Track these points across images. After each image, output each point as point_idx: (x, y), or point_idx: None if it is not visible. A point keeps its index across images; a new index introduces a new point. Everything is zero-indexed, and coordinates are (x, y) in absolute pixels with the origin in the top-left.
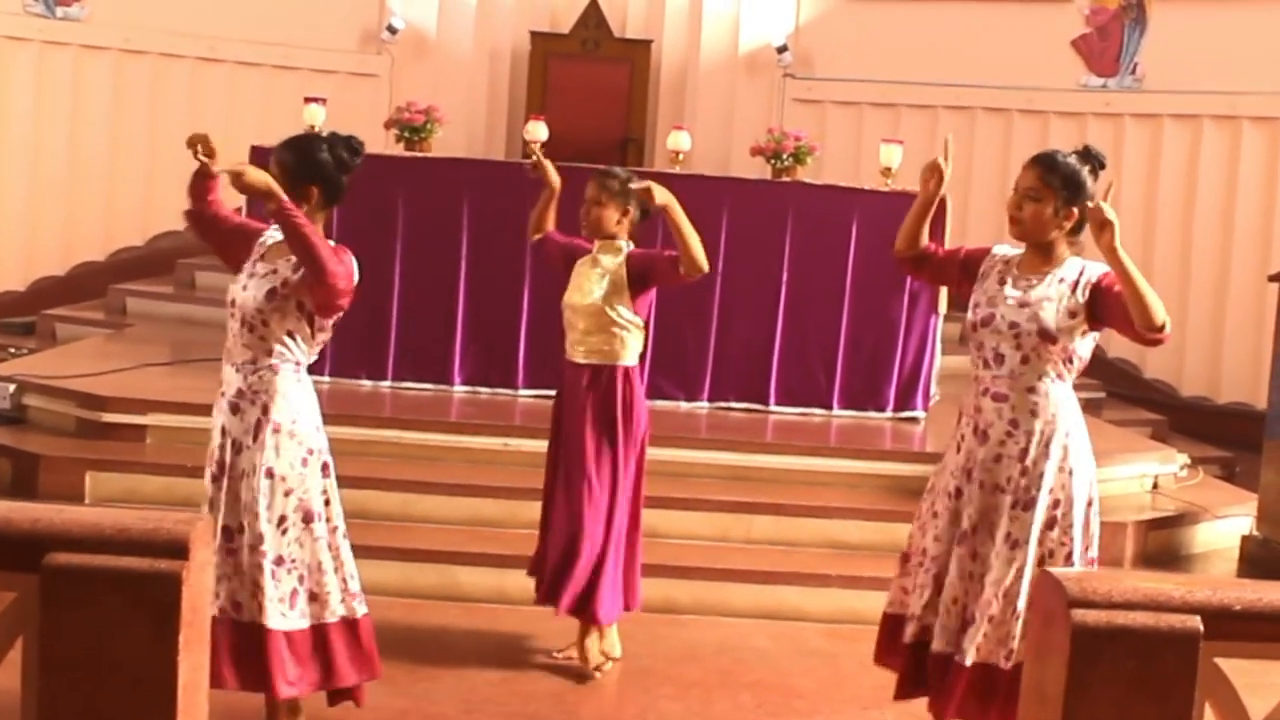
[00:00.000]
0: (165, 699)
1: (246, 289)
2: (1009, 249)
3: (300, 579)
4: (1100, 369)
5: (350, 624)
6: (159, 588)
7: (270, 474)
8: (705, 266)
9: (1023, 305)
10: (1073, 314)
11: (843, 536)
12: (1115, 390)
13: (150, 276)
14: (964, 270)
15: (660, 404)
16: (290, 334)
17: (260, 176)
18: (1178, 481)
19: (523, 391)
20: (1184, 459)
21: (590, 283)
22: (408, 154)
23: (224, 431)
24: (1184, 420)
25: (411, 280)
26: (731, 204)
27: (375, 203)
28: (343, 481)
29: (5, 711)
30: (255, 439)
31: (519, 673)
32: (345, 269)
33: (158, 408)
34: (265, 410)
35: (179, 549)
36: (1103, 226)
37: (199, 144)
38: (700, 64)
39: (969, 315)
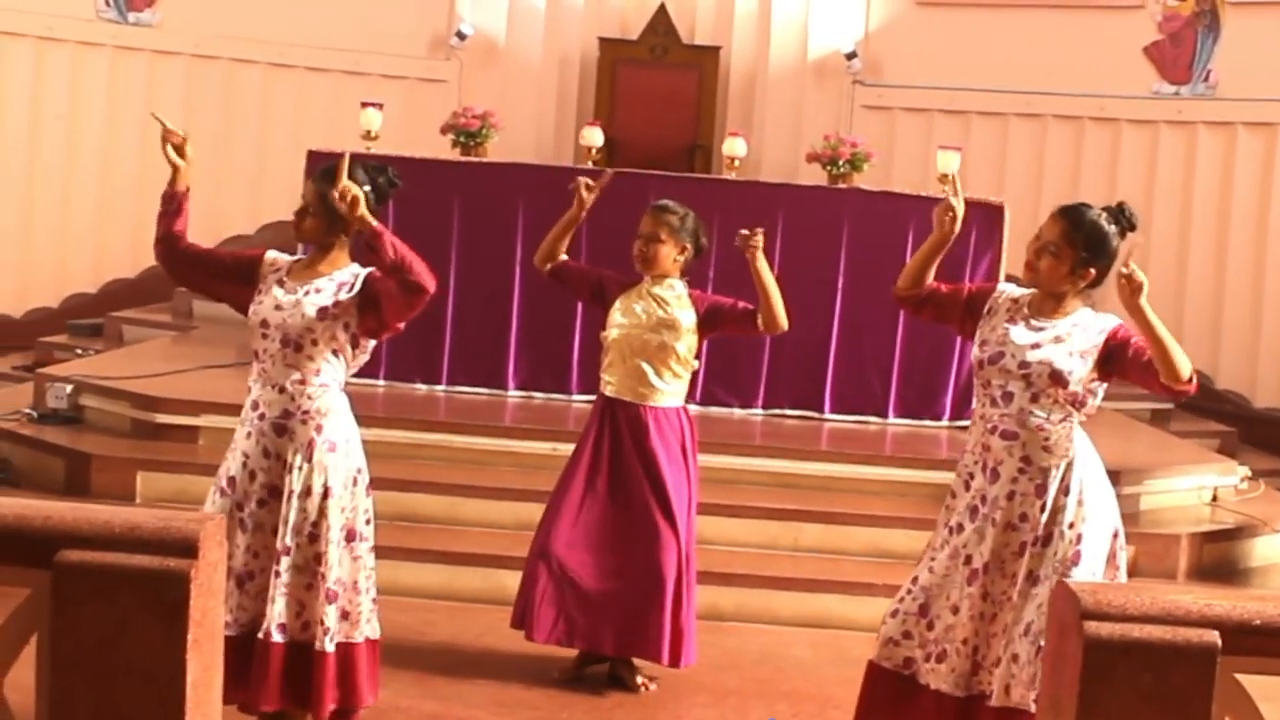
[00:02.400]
0: (174, 696)
1: (281, 308)
2: (1015, 288)
3: (337, 597)
4: None
5: (372, 645)
6: (168, 586)
7: (328, 493)
8: (786, 325)
9: (1034, 347)
10: (1084, 363)
11: (890, 545)
12: (1186, 401)
13: None
14: (968, 309)
15: (714, 410)
16: (335, 353)
17: (365, 214)
18: (1238, 494)
19: (576, 397)
20: (1245, 471)
21: (652, 320)
22: (463, 159)
23: (267, 453)
24: (1257, 432)
25: (466, 285)
26: (787, 210)
27: (431, 207)
28: (390, 484)
29: (21, 707)
30: (310, 459)
31: (558, 672)
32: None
33: (210, 409)
34: (319, 429)
35: (189, 548)
36: (1135, 291)
37: (176, 142)
38: (769, 70)
39: (975, 352)
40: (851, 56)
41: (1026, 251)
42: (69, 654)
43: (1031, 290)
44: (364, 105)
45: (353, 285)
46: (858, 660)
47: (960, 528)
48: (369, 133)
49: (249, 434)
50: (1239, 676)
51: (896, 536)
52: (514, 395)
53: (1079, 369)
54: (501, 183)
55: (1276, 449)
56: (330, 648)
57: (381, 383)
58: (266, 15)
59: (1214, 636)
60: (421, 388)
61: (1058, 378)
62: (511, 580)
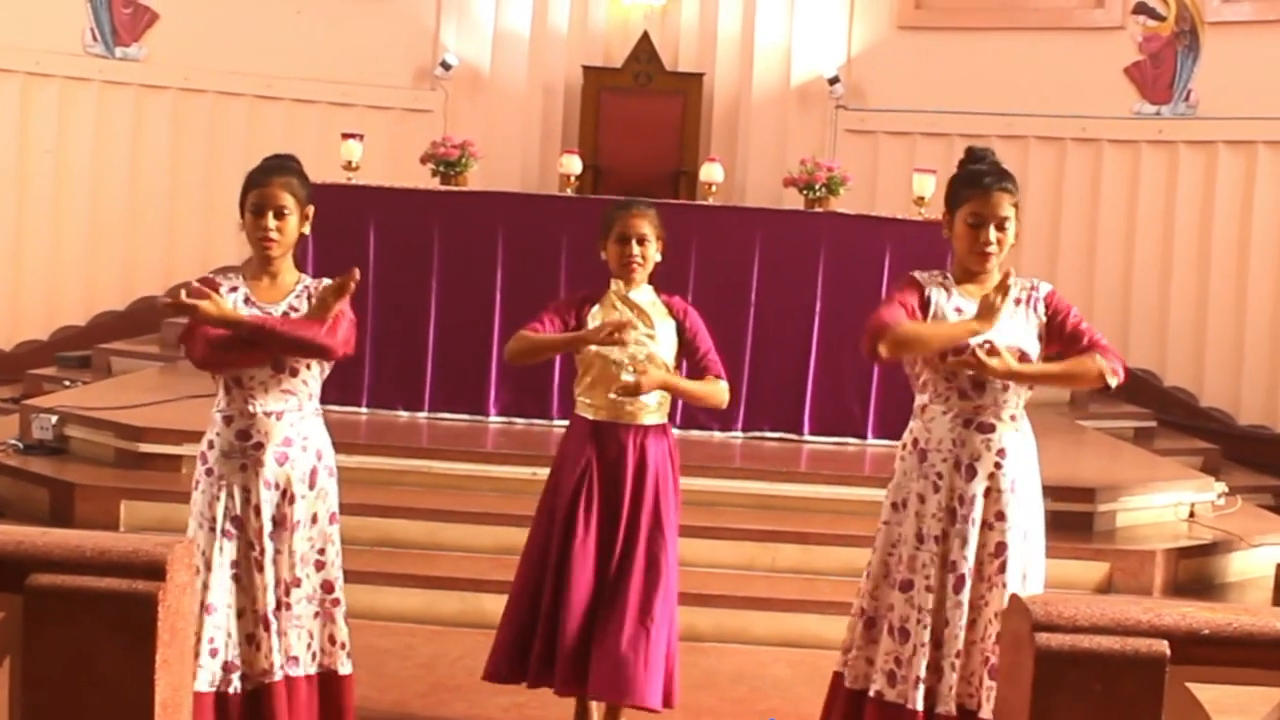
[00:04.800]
0: (143, 717)
1: None
2: (923, 273)
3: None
4: (1155, 396)
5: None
6: (137, 608)
7: (333, 519)
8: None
9: (997, 332)
10: (1039, 337)
11: None
12: (1170, 419)
13: None
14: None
15: (695, 434)
16: (318, 375)
17: (224, 310)
18: (1215, 510)
19: (557, 421)
20: (1221, 487)
21: (639, 331)
22: (443, 188)
23: (269, 484)
24: (1241, 449)
25: (448, 313)
26: (764, 234)
27: (412, 236)
28: (372, 510)
29: None
30: (312, 485)
31: (533, 698)
32: (342, 333)
33: (193, 438)
34: (319, 455)
35: (156, 570)
36: (992, 370)
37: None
38: (752, 96)
39: None
40: (834, 81)
41: (980, 244)
42: (40, 676)
43: (935, 273)
44: (344, 137)
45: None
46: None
47: (945, 535)
48: (350, 163)
49: (243, 466)
50: (1190, 686)
51: None
52: (495, 421)
53: (1035, 346)
54: (481, 211)
55: (1261, 466)
56: (346, 671)
57: (364, 410)
58: (253, 48)
59: (1163, 646)
60: (403, 414)
61: (1026, 359)
62: (490, 603)
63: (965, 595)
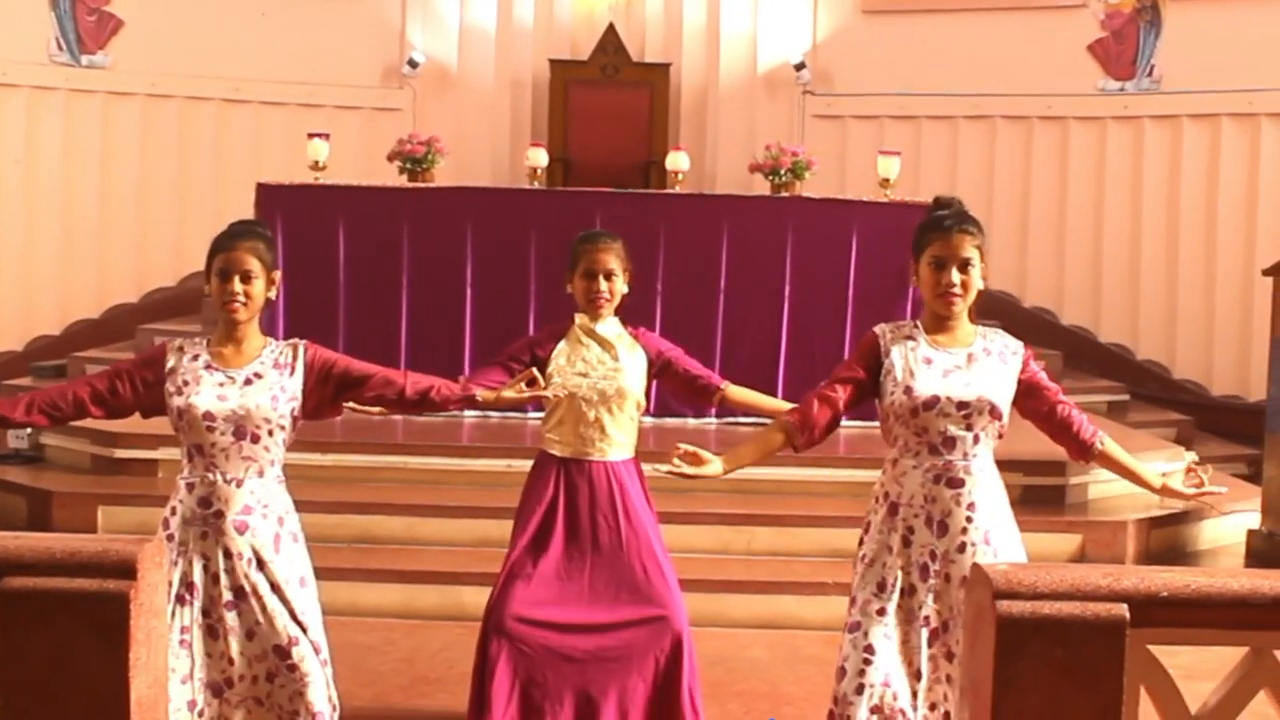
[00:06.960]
0: (119, 714)
1: (226, 399)
2: (886, 325)
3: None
4: (1129, 370)
5: None
6: (109, 607)
7: (303, 581)
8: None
9: (966, 384)
10: (1008, 390)
11: (843, 544)
12: (1144, 392)
13: (184, 315)
14: (871, 377)
15: (669, 421)
16: (281, 441)
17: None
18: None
19: (531, 415)
20: (1192, 456)
21: (606, 366)
22: (410, 185)
23: (229, 553)
24: (1216, 419)
25: (419, 307)
26: (731, 220)
27: (381, 234)
28: (350, 507)
29: None
30: (277, 549)
31: None
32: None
33: (169, 442)
34: (281, 522)
35: (127, 569)
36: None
37: None
38: (720, 85)
39: (901, 400)
40: (800, 67)
41: (943, 289)
42: (18, 677)
43: (904, 323)
44: (310, 136)
45: (289, 365)
46: (812, 658)
47: (913, 589)
48: (317, 163)
49: (204, 534)
50: (1152, 648)
51: (848, 536)
52: (470, 415)
53: (1007, 396)
54: (448, 207)
55: (1234, 436)
56: None
57: None
58: (219, 52)
59: (1122, 610)
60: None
61: (996, 412)
62: (469, 595)
63: (939, 649)
